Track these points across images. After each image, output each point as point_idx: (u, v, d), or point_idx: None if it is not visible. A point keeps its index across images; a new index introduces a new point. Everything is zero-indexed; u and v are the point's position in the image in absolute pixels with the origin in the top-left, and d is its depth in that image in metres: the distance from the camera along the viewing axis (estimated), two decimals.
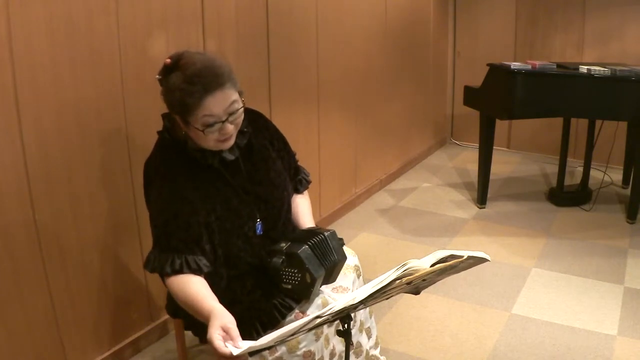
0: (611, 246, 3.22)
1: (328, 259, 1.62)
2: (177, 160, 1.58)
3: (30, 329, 1.86)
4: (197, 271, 1.52)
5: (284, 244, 1.60)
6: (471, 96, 3.82)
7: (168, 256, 1.52)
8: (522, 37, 4.75)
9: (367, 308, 1.89)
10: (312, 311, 1.57)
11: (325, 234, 1.64)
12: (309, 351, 1.55)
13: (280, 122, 2.86)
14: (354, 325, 1.78)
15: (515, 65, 3.38)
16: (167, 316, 2.36)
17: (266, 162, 1.73)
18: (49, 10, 1.77)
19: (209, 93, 1.45)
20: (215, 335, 1.31)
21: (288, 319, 1.57)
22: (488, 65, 3.58)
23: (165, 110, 1.61)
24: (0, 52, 1.65)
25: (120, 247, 2.15)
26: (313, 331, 1.54)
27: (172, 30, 2.21)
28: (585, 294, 2.72)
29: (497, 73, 3.49)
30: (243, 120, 1.61)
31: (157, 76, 1.55)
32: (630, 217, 3.52)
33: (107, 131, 2.03)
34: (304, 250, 1.56)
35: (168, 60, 1.51)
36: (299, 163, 1.93)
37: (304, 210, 1.84)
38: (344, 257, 1.70)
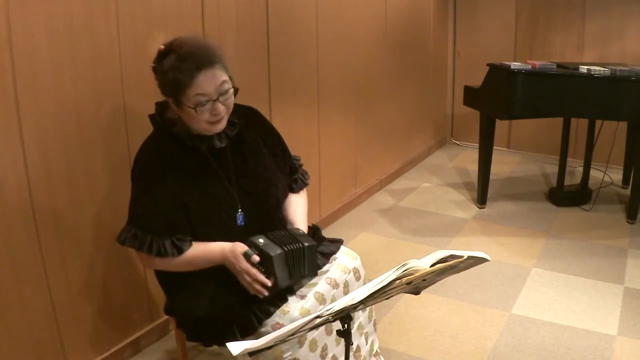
0: (611, 246, 3.22)
1: (298, 271, 1.61)
2: (165, 143, 1.62)
3: (30, 329, 1.86)
4: (175, 255, 1.58)
5: (263, 240, 1.59)
6: (471, 96, 3.82)
7: (145, 237, 1.58)
8: (522, 37, 4.75)
9: (368, 313, 1.89)
10: (290, 322, 1.54)
11: (305, 244, 1.61)
12: (295, 359, 1.55)
13: (280, 122, 2.88)
14: (353, 325, 1.77)
15: (515, 65, 3.38)
16: (167, 316, 2.36)
17: (255, 157, 1.74)
18: (49, 10, 1.77)
19: (201, 70, 1.51)
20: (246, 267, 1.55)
21: (264, 329, 1.55)
22: (488, 65, 3.58)
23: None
24: (0, 52, 1.65)
25: (120, 247, 2.13)
26: (297, 338, 1.53)
27: (172, 30, 2.21)
28: (585, 294, 2.72)
29: (497, 73, 3.49)
30: (234, 112, 1.65)
31: (152, 64, 1.59)
32: (630, 217, 3.52)
33: (107, 131, 2.03)
34: (279, 255, 1.55)
35: (162, 47, 1.56)
36: (303, 167, 1.94)
37: (296, 209, 1.84)
38: (314, 274, 1.69)
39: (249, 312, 1.57)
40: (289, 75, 2.99)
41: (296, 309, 1.59)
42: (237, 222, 1.67)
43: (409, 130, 4.56)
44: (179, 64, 1.50)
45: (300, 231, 1.70)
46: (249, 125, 1.77)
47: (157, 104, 1.68)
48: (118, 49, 2.01)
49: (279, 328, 1.52)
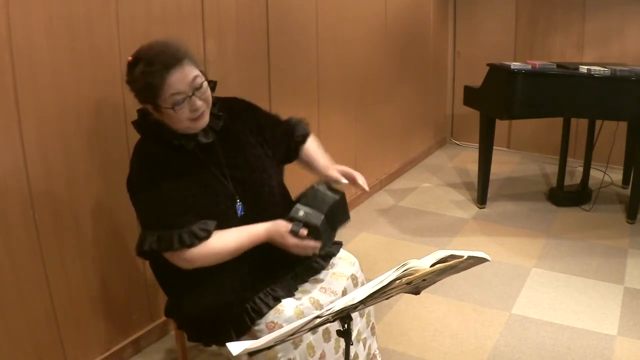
0: (611, 246, 3.22)
1: (337, 224, 1.71)
2: (154, 144, 1.61)
3: (30, 329, 1.86)
4: (206, 237, 1.56)
5: (303, 212, 1.63)
6: (471, 96, 3.82)
7: (172, 235, 1.53)
8: (522, 37, 4.75)
9: (366, 317, 1.88)
10: (284, 323, 1.54)
11: (335, 198, 1.68)
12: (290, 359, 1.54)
13: None
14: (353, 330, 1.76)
15: (515, 65, 3.38)
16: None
17: (244, 147, 1.74)
18: (49, 10, 1.77)
19: (169, 70, 1.50)
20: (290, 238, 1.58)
21: (258, 328, 1.56)
22: (488, 65, 3.58)
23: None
24: (0, 52, 1.65)
25: (120, 247, 2.15)
26: (291, 340, 1.52)
27: (172, 31, 2.21)
28: (585, 294, 2.72)
29: (497, 73, 3.49)
30: (215, 105, 1.66)
31: (125, 78, 1.58)
32: (630, 217, 3.52)
33: (107, 131, 2.03)
34: (322, 222, 1.62)
35: (129, 58, 1.56)
36: (299, 119, 1.98)
37: (315, 154, 1.91)
38: (348, 218, 1.77)
39: (242, 312, 1.57)
40: (289, 75, 2.98)
41: (291, 309, 1.59)
42: (237, 212, 1.66)
43: (409, 130, 4.56)
44: (147, 69, 1.50)
45: (322, 185, 1.73)
46: (233, 115, 1.77)
47: (139, 111, 1.67)
48: (118, 49, 2.01)
49: (274, 327, 1.52)
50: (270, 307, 1.59)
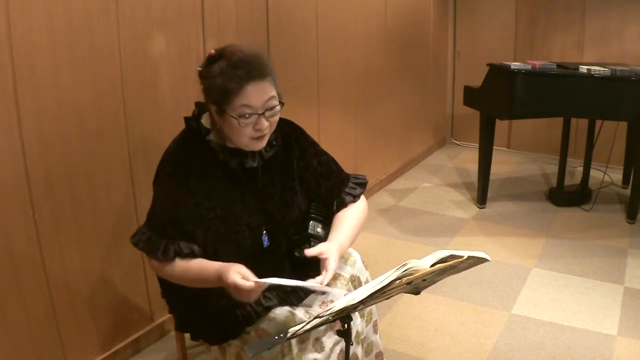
0: (611, 246, 3.22)
1: None
2: (196, 151, 1.56)
3: (30, 329, 1.86)
4: (189, 255, 1.52)
5: (320, 230, 1.68)
6: (471, 96, 3.82)
7: (161, 242, 1.51)
8: (522, 37, 4.75)
9: (367, 316, 1.87)
10: (274, 329, 1.51)
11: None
12: None
13: None
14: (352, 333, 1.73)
15: (515, 65, 3.38)
16: (167, 316, 2.36)
17: (284, 178, 1.68)
18: (49, 10, 1.77)
19: (251, 80, 1.44)
20: (234, 276, 1.39)
21: (247, 336, 1.53)
22: (488, 65, 3.58)
23: (186, 112, 1.62)
24: (0, 53, 1.65)
25: (120, 246, 2.15)
26: (278, 348, 1.48)
27: (172, 30, 2.22)
28: (585, 294, 2.72)
29: (497, 73, 3.49)
30: (274, 132, 1.59)
31: (198, 68, 1.53)
32: (630, 217, 3.52)
33: (107, 131, 2.03)
34: None
35: (212, 51, 1.51)
36: (356, 183, 1.85)
37: (337, 224, 1.72)
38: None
39: (233, 317, 1.54)
40: (289, 75, 2.98)
41: (282, 317, 1.54)
42: (263, 243, 1.61)
43: (409, 130, 4.56)
44: (229, 71, 1.43)
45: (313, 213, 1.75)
46: (285, 145, 1.69)
47: (197, 106, 1.61)
48: (118, 49, 2.01)
49: (263, 334, 1.50)
50: (260, 315, 1.54)
